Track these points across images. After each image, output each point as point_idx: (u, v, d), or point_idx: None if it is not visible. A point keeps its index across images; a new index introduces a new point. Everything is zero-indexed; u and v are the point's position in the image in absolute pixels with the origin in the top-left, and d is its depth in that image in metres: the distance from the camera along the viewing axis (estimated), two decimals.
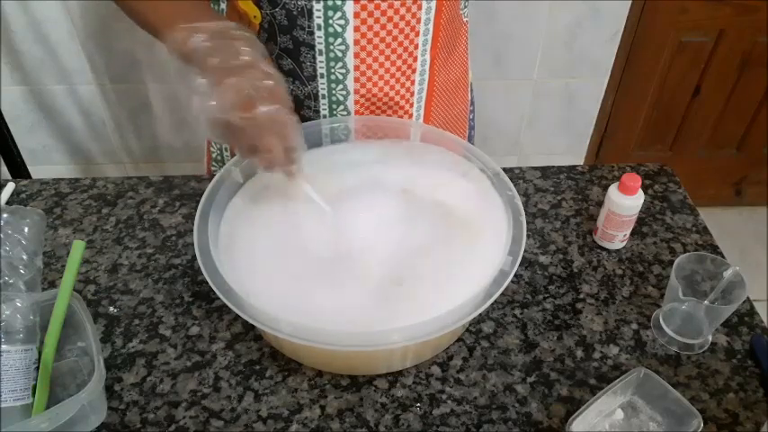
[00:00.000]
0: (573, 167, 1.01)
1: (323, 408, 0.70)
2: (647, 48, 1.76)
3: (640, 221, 0.91)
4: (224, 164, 0.99)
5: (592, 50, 1.74)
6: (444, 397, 0.71)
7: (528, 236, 0.84)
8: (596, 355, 0.75)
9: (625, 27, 1.71)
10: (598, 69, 1.79)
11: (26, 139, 1.80)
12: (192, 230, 0.72)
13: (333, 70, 0.81)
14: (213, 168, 1.02)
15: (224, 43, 0.64)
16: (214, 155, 1.01)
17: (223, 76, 0.62)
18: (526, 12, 1.65)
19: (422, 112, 0.90)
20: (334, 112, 0.86)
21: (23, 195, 0.95)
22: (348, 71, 0.81)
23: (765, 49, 1.77)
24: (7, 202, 0.94)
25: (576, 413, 0.65)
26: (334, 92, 0.83)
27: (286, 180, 0.72)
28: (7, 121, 1.55)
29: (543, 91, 1.82)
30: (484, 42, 1.70)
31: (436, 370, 0.74)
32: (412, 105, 0.88)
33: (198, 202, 0.74)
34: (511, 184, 0.77)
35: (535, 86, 1.81)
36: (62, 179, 0.98)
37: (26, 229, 0.74)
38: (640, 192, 0.82)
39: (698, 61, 1.80)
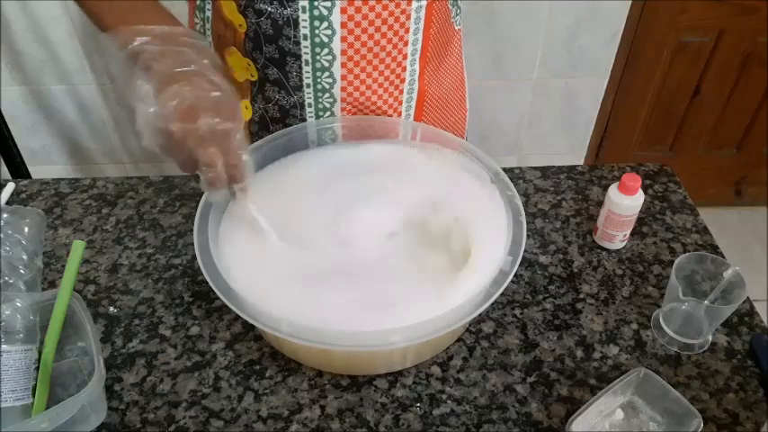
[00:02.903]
0: (573, 167, 1.01)
1: (323, 408, 0.70)
2: (647, 48, 1.76)
3: (640, 221, 0.91)
4: None
5: (592, 50, 1.74)
6: (444, 397, 0.71)
7: (528, 236, 0.84)
8: (596, 355, 0.75)
9: (625, 27, 1.71)
10: (598, 69, 1.79)
11: (26, 139, 1.80)
12: (192, 230, 0.72)
13: (319, 80, 0.80)
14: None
15: (171, 49, 0.61)
16: None
17: (166, 83, 0.59)
18: (526, 12, 1.65)
19: (411, 120, 0.90)
20: (321, 119, 0.85)
21: (23, 195, 0.95)
22: (335, 81, 0.81)
23: (765, 49, 1.76)
24: (7, 202, 0.94)
25: (576, 413, 0.65)
26: (320, 100, 0.82)
27: (231, 200, 0.69)
28: (7, 121, 1.55)
29: (543, 91, 1.83)
30: (484, 43, 1.70)
31: (436, 370, 0.74)
32: (400, 114, 0.88)
33: (198, 202, 0.74)
34: (511, 184, 0.77)
35: (535, 86, 1.81)
36: (62, 179, 0.98)
37: (26, 229, 0.74)
38: (640, 192, 0.82)
39: (698, 61, 1.80)
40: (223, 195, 0.67)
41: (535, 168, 1.01)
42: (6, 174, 1.62)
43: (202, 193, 0.75)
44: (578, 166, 1.01)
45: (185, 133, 0.60)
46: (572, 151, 2.00)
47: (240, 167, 0.65)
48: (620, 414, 0.68)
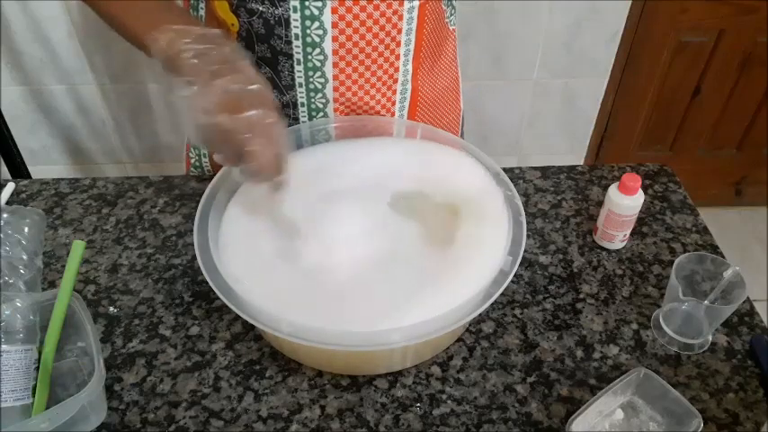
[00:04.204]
0: (573, 167, 1.01)
1: (323, 408, 0.70)
2: (647, 48, 1.76)
3: (640, 221, 0.91)
4: (203, 170, 0.99)
5: (592, 50, 1.74)
6: (444, 397, 0.71)
7: (528, 236, 0.84)
8: (596, 355, 0.75)
9: (625, 27, 1.71)
10: (598, 69, 1.79)
11: (26, 139, 1.80)
12: (192, 230, 0.72)
13: (311, 79, 0.80)
14: (192, 174, 1.02)
15: (211, 47, 0.62)
16: (193, 161, 1.00)
17: (210, 78, 0.60)
18: (526, 12, 1.65)
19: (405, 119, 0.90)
20: (314, 120, 0.85)
21: (23, 195, 0.95)
22: (327, 80, 0.81)
23: (765, 49, 1.77)
24: (7, 202, 0.94)
25: (576, 413, 0.65)
26: (313, 100, 0.83)
27: (268, 196, 0.69)
28: (7, 121, 1.55)
29: (543, 91, 1.83)
30: (484, 42, 1.70)
31: (436, 370, 0.74)
32: (393, 115, 0.88)
33: (198, 202, 0.74)
34: (511, 184, 0.77)
35: (535, 86, 1.81)
36: (62, 179, 0.98)
37: (26, 229, 0.74)
38: (640, 192, 0.82)
39: (698, 61, 1.80)
40: (263, 187, 0.68)
41: (535, 168, 1.01)
42: (6, 174, 1.62)
43: (202, 192, 0.75)
44: (578, 166, 1.01)
45: (233, 125, 0.61)
46: (572, 151, 2.00)
47: (284, 159, 0.66)
48: (620, 414, 0.68)
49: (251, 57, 0.66)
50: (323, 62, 0.79)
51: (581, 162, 2.01)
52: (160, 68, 0.63)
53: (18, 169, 1.60)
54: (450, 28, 0.90)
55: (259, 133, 0.62)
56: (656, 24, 1.72)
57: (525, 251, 0.79)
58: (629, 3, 1.66)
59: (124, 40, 0.72)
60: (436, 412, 0.70)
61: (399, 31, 0.79)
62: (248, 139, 0.62)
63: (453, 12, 0.89)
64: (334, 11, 0.74)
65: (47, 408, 0.65)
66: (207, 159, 0.97)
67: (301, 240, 0.71)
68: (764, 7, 1.69)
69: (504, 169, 0.82)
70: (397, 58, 0.81)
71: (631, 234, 0.88)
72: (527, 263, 0.86)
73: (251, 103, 0.62)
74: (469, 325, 0.78)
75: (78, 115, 1.79)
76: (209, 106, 0.60)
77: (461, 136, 1.05)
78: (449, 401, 0.71)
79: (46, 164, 1.88)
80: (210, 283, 0.65)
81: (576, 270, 0.85)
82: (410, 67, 0.84)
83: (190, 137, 0.63)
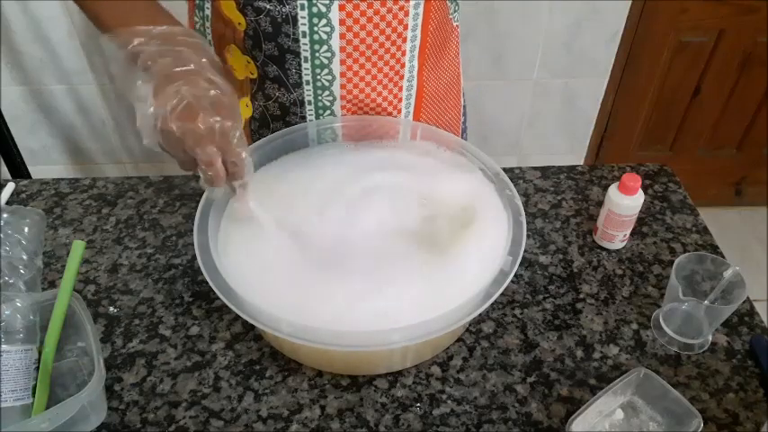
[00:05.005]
0: (573, 167, 1.01)
1: (323, 408, 0.70)
2: (647, 48, 1.76)
3: (640, 221, 0.91)
4: None
5: (592, 50, 1.74)
6: (444, 397, 0.71)
7: (528, 236, 0.84)
8: (596, 355, 0.75)
9: (625, 27, 1.71)
10: (598, 69, 1.79)
11: (26, 139, 1.80)
12: (192, 230, 0.72)
13: (318, 77, 0.81)
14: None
15: (169, 49, 0.61)
16: None
17: (165, 83, 0.60)
18: (526, 12, 1.65)
19: (410, 118, 0.90)
20: (321, 118, 0.85)
21: (23, 195, 0.95)
22: (334, 78, 0.81)
23: (765, 49, 1.77)
24: (7, 202, 0.94)
25: (576, 413, 0.65)
26: (320, 98, 0.83)
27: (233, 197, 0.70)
28: (7, 121, 1.55)
29: (543, 91, 1.83)
30: (484, 42, 1.70)
31: (436, 370, 0.74)
32: (400, 111, 0.88)
33: (198, 202, 0.74)
34: (511, 184, 0.77)
35: (535, 86, 1.81)
36: (62, 179, 0.98)
37: (26, 229, 0.74)
38: (640, 192, 0.82)
39: (698, 61, 1.80)
40: (223, 192, 0.68)
41: (535, 168, 1.01)
42: (6, 174, 1.62)
43: (202, 192, 0.75)
44: (578, 166, 1.01)
45: (184, 132, 0.60)
46: (572, 151, 2.00)
47: (240, 165, 0.65)
48: (620, 414, 0.68)
49: (216, 58, 0.65)
50: (330, 59, 0.79)
51: (581, 162, 2.01)
52: (121, 65, 0.62)
53: (18, 169, 1.60)
54: (454, 24, 0.91)
55: (210, 141, 0.61)
56: (656, 24, 1.72)
57: (525, 251, 0.79)
58: (629, 3, 1.66)
59: None
60: (436, 412, 0.70)
61: (406, 28, 0.79)
62: (198, 147, 0.61)
63: (457, 8, 0.90)
64: (341, 8, 0.75)
65: (47, 408, 0.65)
66: None
67: (270, 234, 0.72)
68: (764, 7, 1.69)
69: (504, 169, 0.82)
70: (404, 54, 0.82)
71: (631, 234, 0.88)
72: (527, 263, 0.86)
73: (207, 110, 0.61)
74: (469, 325, 0.78)
75: (78, 115, 1.79)
76: (161, 112, 0.59)
77: (464, 129, 1.05)
78: (449, 401, 0.71)
79: (46, 164, 1.89)
80: (210, 283, 0.65)
81: (576, 270, 0.85)
82: (416, 63, 0.84)
83: (144, 140, 0.62)
